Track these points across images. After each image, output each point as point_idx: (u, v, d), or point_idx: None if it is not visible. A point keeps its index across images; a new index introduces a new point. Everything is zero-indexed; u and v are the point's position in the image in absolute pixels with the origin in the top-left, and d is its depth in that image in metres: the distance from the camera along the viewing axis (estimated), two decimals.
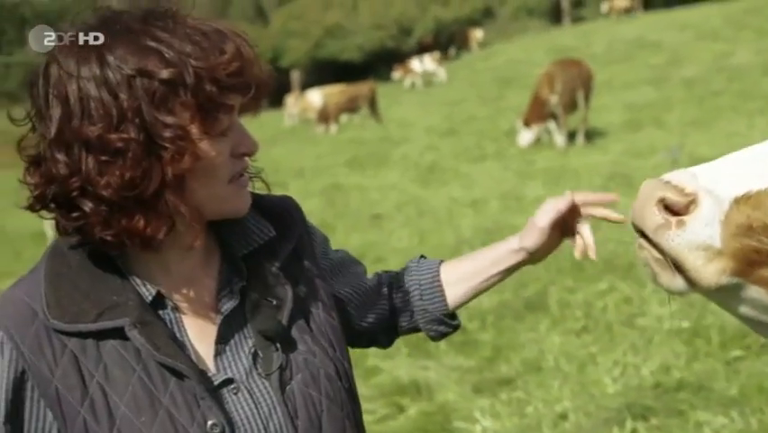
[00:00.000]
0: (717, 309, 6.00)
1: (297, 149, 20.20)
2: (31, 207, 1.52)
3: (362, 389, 5.63)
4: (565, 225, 2.00)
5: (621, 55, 25.71)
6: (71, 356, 1.50)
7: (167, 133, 1.42)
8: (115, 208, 1.45)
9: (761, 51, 20.84)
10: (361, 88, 24.17)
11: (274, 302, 1.64)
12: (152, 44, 1.43)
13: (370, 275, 2.05)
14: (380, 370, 6.03)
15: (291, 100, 28.92)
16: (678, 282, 1.57)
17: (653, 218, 1.55)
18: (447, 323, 2.07)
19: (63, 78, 1.44)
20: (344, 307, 1.91)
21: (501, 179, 12.78)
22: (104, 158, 1.42)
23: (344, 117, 23.75)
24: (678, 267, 1.56)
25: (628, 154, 12.84)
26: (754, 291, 1.54)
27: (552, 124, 15.15)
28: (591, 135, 14.99)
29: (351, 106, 23.48)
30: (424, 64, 30.16)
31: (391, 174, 14.62)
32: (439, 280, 2.04)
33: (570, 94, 14.71)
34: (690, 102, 16.33)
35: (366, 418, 5.54)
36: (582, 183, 11.44)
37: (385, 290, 2.03)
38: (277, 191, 1.89)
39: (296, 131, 26.18)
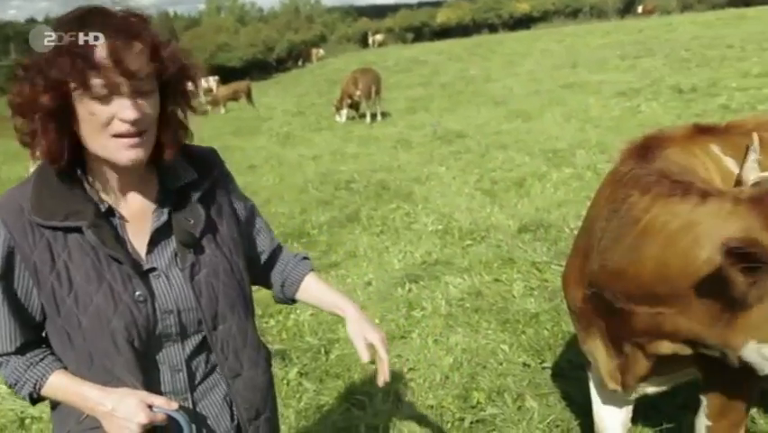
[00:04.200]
0: (446, 220, 6.29)
1: (200, 124, 19.30)
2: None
3: None
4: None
5: (404, 67, 25.81)
6: (46, 242, 1.44)
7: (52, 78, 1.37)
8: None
9: (483, 69, 21.47)
10: (239, 85, 23.28)
11: (191, 221, 1.58)
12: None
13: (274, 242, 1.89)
14: None
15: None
16: None
17: None
18: (288, 302, 1.93)
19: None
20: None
21: (331, 142, 12.67)
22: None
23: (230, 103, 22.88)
24: None
25: (408, 127, 13.03)
26: None
27: (362, 108, 15.19)
28: (386, 116, 15.08)
29: (234, 96, 22.65)
30: (208, 83, 28.95)
31: (261, 139, 14.22)
32: (299, 287, 1.88)
33: (368, 89, 14.72)
34: (444, 97, 16.66)
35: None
36: (381, 145, 11.55)
37: (267, 259, 1.87)
38: None
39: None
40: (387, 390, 3.64)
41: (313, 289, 1.89)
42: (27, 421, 3.84)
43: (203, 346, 1.61)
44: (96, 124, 1.40)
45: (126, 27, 1.40)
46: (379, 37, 50.40)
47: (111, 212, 1.51)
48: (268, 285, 1.93)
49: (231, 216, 1.70)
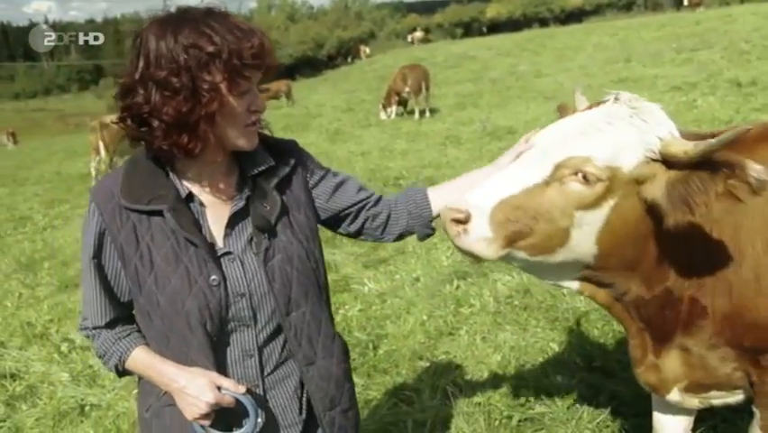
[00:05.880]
0: None
1: None
2: (118, 122, 1.53)
3: None
4: None
5: (453, 63, 25.65)
6: (131, 224, 1.54)
7: (205, 86, 1.44)
8: (170, 128, 1.47)
9: (533, 63, 21.15)
10: (279, 84, 23.51)
11: (267, 207, 1.62)
12: (206, 30, 1.44)
13: (374, 197, 1.86)
14: None
15: None
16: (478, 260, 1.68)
17: (452, 231, 1.61)
18: (430, 228, 1.88)
19: (148, 41, 1.45)
20: (337, 215, 1.81)
21: (380, 139, 12.72)
22: (166, 93, 1.44)
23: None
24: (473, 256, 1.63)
25: (457, 123, 12.96)
26: (519, 254, 1.65)
27: (411, 104, 15.16)
28: (434, 112, 15.04)
29: (274, 96, 22.94)
30: None
31: (311, 136, 14.36)
32: (429, 198, 1.85)
33: (417, 85, 14.71)
34: (494, 93, 16.51)
35: None
36: (430, 141, 11.51)
37: (376, 209, 1.85)
38: None
39: None
40: (435, 386, 3.64)
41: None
42: (87, 409, 3.99)
43: (278, 334, 1.66)
44: (238, 117, 1.53)
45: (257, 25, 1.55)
46: (418, 34, 49.66)
47: (191, 197, 1.59)
48: (396, 224, 1.87)
49: (308, 206, 1.73)
